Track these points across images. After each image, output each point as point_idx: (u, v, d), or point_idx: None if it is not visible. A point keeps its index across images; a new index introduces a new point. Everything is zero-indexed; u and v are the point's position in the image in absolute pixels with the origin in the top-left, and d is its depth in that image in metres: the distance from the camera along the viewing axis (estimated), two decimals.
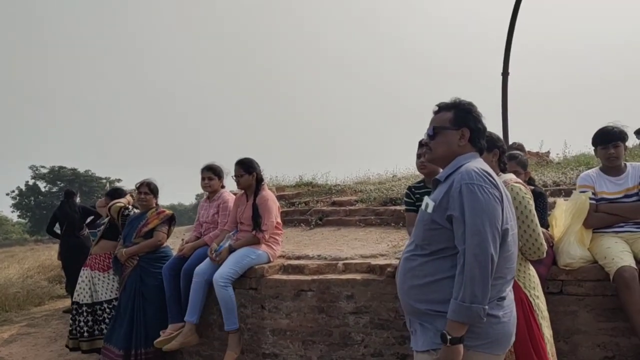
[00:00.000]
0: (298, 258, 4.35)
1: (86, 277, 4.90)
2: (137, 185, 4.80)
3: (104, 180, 49.04)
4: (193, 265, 4.25)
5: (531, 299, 2.45)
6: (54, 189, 50.19)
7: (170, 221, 4.75)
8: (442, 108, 2.20)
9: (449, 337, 1.88)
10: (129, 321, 4.40)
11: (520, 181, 2.58)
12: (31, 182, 50.23)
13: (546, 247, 2.51)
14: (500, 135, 2.71)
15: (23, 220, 54.03)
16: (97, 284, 4.87)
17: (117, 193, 5.39)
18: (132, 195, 5.25)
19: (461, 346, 1.89)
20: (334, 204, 6.31)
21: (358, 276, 3.75)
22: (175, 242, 5.59)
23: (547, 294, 2.93)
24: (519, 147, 4.93)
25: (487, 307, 1.88)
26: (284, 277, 4.03)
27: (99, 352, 5.00)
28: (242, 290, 4.14)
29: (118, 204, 4.95)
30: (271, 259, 4.23)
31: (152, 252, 4.59)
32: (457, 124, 2.14)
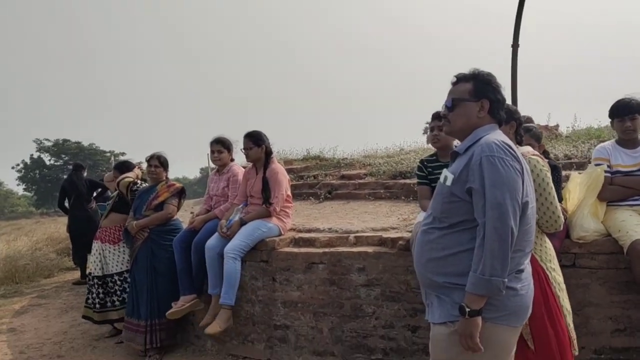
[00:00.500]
0: (309, 231, 4.35)
1: (97, 250, 4.93)
2: (148, 159, 4.79)
3: (108, 154, 49.15)
4: (204, 238, 4.27)
5: (547, 272, 2.45)
6: (59, 162, 50.39)
7: (181, 194, 4.76)
8: (460, 79, 2.16)
9: (467, 309, 1.88)
10: (146, 293, 4.45)
11: (538, 154, 2.56)
12: (36, 155, 50.33)
13: (563, 219, 2.49)
14: None
15: (29, 194, 54.40)
16: (108, 257, 4.91)
17: (125, 166, 5.38)
18: (140, 168, 5.25)
19: (479, 318, 1.90)
20: (343, 177, 6.29)
21: (369, 249, 3.75)
22: (184, 215, 5.60)
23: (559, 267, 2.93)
24: (528, 120, 4.87)
25: (506, 280, 1.88)
26: (295, 249, 4.04)
27: (111, 323, 5.08)
28: (253, 263, 4.16)
29: (126, 179, 4.94)
30: (282, 232, 4.24)
31: (163, 224, 4.61)
32: (476, 95, 2.10)
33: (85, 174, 8.17)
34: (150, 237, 4.55)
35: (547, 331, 2.38)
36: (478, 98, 2.10)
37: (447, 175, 2.05)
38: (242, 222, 4.13)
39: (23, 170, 50.31)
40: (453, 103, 2.13)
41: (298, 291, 3.96)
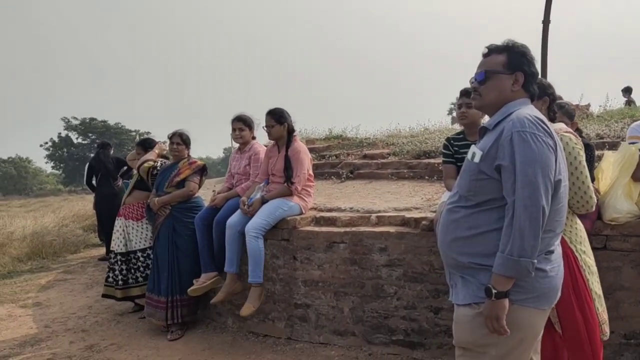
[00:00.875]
0: (330, 210, 4.30)
1: (120, 227, 4.96)
2: (170, 136, 4.78)
3: (134, 133, 49.64)
4: (225, 216, 4.25)
5: (577, 254, 2.35)
6: (86, 141, 51.18)
7: (202, 172, 4.74)
8: (493, 50, 2.05)
9: (494, 290, 1.81)
10: (167, 270, 4.47)
11: (571, 131, 2.44)
12: (64, 133, 51.16)
13: (595, 200, 2.38)
14: None
15: (57, 172, 55.45)
16: (131, 233, 4.94)
17: (148, 143, 5.38)
18: (161, 147, 5.24)
19: (506, 300, 1.82)
20: (365, 157, 6.20)
21: (392, 229, 3.69)
22: (205, 193, 5.59)
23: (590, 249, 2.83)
24: (559, 98, 4.71)
25: (535, 261, 1.80)
26: (316, 228, 4.00)
27: (133, 300, 5.14)
28: (274, 242, 4.14)
29: (146, 165, 4.91)
30: (303, 211, 4.19)
31: (184, 202, 4.60)
32: (510, 67, 1.99)
33: (111, 152, 8.25)
34: (171, 214, 4.56)
35: (575, 315, 2.29)
36: (512, 70, 1.99)
37: (475, 152, 1.96)
38: (264, 201, 4.10)
39: (51, 149, 51.19)
40: (486, 75, 2.02)
41: (319, 270, 3.93)
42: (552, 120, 2.49)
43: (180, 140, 4.71)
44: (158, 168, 4.89)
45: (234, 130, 4.58)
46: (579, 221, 2.45)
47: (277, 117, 4.21)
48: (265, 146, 4.69)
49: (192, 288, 4.25)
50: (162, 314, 4.42)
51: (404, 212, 3.91)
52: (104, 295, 5.07)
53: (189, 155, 4.80)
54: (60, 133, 51.19)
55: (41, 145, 50.99)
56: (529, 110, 1.92)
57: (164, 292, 4.45)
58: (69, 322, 5.00)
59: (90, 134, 51.05)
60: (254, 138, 4.69)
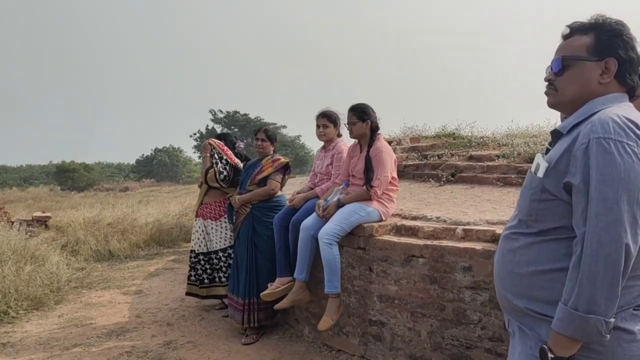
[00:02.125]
0: (414, 218, 3.84)
1: (199, 227, 4.96)
2: (255, 132, 4.65)
3: (271, 127, 51.77)
4: (302, 217, 3.99)
5: None
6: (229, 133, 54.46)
7: (285, 169, 4.54)
8: (575, 30, 1.51)
9: (550, 355, 1.31)
10: (245, 270, 4.35)
11: None
12: (210, 125, 54.92)
13: None
14: None
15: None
16: (211, 233, 4.91)
17: (224, 138, 5.35)
18: (239, 141, 5.20)
19: None
20: (470, 158, 5.56)
21: (478, 245, 3.15)
22: (291, 191, 5.40)
23: None
24: None
25: (612, 319, 1.27)
26: (395, 239, 3.57)
27: (218, 298, 5.11)
28: (349, 249, 3.80)
29: (210, 175, 4.88)
30: (383, 218, 3.79)
31: (265, 200, 4.44)
32: (598, 52, 1.46)
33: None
34: (252, 213, 4.42)
35: None
36: (601, 56, 1.46)
37: (539, 163, 1.46)
38: (340, 204, 3.77)
39: (199, 140, 55.13)
40: (563, 63, 1.50)
41: (395, 285, 3.51)
42: None
43: (265, 136, 4.55)
44: (225, 174, 4.84)
45: (318, 127, 4.30)
46: None
47: (360, 114, 3.85)
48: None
49: (265, 292, 4.07)
50: (240, 317, 4.30)
51: (497, 226, 3.34)
52: (187, 294, 5.11)
53: (274, 152, 4.63)
54: (207, 125, 55.05)
55: (190, 136, 55.12)
56: (619, 110, 1.37)
57: (242, 293, 4.33)
58: (159, 313, 5.10)
59: (232, 127, 54.27)
60: (339, 135, 4.38)
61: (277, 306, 4.00)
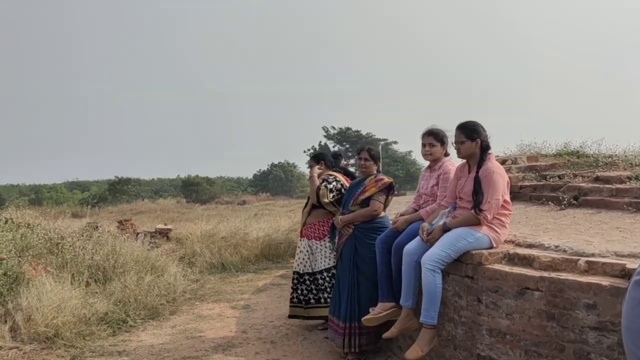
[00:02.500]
0: (530, 246, 3.50)
1: (304, 247, 4.97)
2: (358, 152, 4.59)
3: (382, 143, 51.98)
4: (405, 240, 3.82)
5: None
6: (341, 149, 55.45)
7: (389, 190, 4.42)
8: None
9: None
10: (347, 293, 4.28)
11: None
12: (323, 141, 56.29)
13: None
14: None
15: None
16: (316, 253, 4.91)
17: (321, 157, 5.36)
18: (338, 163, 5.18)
19: None
20: (597, 179, 5.01)
21: (604, 281, 2.77)
22: (397, 209, 5.24)
23: None
24: None
25: None
26: (506, 268, 3.28)
27: (321, 319, 5.06)
28: (456, 277, 3.56)
29: (325, 199, 4.89)
30: (494, 244, 3.51)
31: (368, 221, 4.34)
32: None
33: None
34: (354, 234, 4.34)
35: None
36: None
37: None
38: (446, 228, 3.56)
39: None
40: None
41: (507, 319, 3.21)
42: None
43: (368, 155, 4.46)
44: (334, 192, 4.84)
45: (423, 145, 4.12)
46: None
47: (469, 132, 3.62)
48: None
49: (366, 317, 3.95)
50: (340, 341, 4.23)
51: (627, 259, 2.93)
52: (290, 316, 5.12)
53: (378, 172, 4.52)
54: (320, 141, 56.52)
55: (304, 152, 56.90)
56: None
57: (343, 316, 4.25)
58: (264, 330, 5.17)
59: (344, 143, 55.19)
60: (446, 155, 4.16)
61: (385, 335, 3.86)
